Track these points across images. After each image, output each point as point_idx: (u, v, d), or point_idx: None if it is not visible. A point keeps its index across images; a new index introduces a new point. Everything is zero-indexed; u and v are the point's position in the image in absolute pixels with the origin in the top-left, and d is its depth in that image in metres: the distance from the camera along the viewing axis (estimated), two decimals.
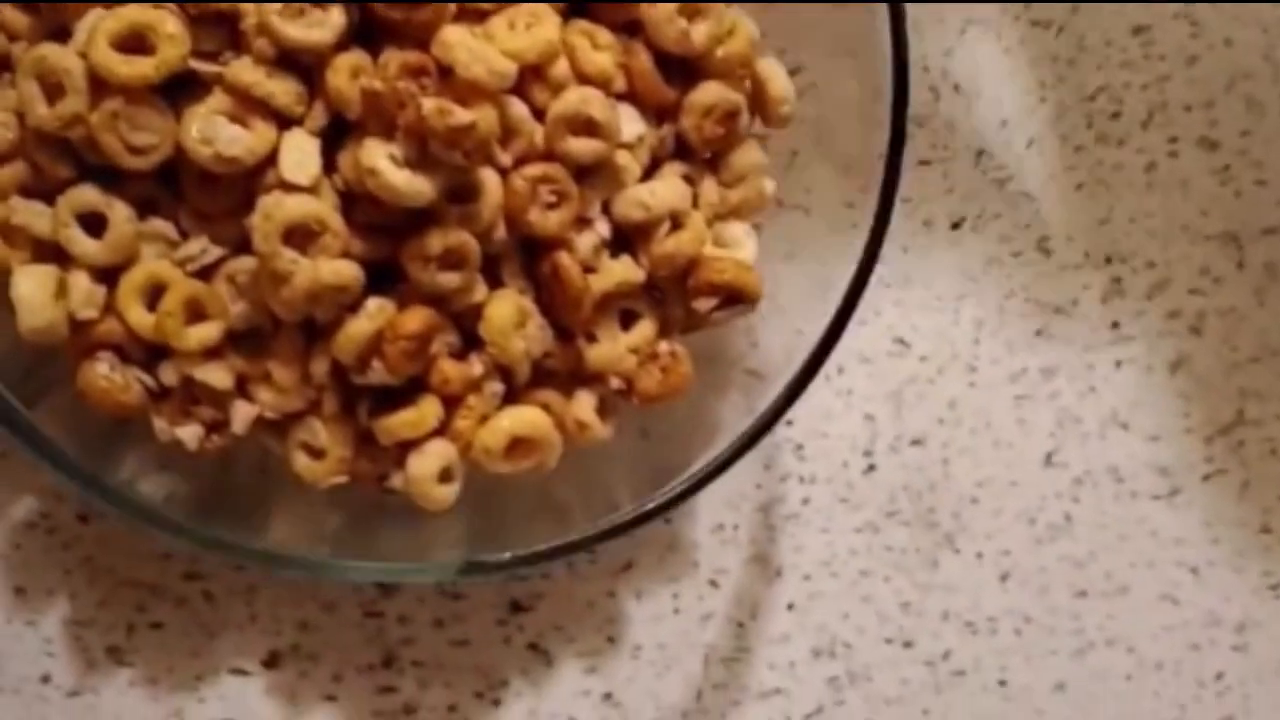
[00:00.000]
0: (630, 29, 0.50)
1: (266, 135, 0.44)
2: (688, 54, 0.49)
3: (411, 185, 0.44)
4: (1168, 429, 0.67)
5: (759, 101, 0.52)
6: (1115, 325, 0.66)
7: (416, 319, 0.47)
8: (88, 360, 0.47)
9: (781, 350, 0.56)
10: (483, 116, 0.44)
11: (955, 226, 0.64)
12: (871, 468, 0.65)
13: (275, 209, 0.44)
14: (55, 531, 0.57)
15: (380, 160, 0.44)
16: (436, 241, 0.46)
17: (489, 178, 0.46)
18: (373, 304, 0.46)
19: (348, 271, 0.45)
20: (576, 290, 0.48)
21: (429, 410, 0.48)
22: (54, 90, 0.44)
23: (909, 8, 0.51)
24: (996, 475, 0.66)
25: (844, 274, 0.52)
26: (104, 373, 0.47)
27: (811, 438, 0.64)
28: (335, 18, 0.44)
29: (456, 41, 0.44)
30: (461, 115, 0.43)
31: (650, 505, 0.51)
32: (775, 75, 0.52)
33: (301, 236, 0.45)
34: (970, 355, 0.65)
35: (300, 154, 0.45)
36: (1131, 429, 0.67)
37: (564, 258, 0.48)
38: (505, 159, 0.47)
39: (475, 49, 0.44)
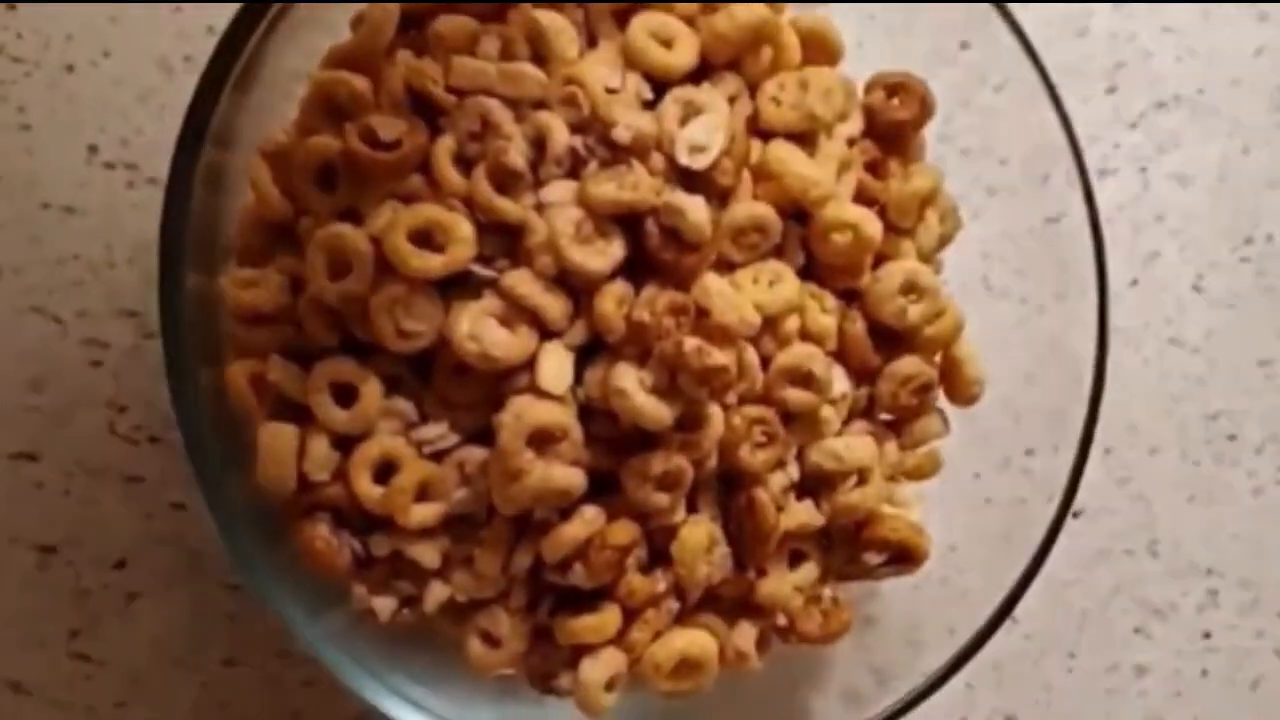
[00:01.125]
0: (848, 296, 0.54)
1: (529, 342, 0.48)
2: (901, 328, 0.54)
3: (655, 410, 0.48)
4: None
5: (950, 379, 0.57)
6: (1207, 635, 0.70)
7: (625, 532, 0.50)
8: (309, 520, 0.50)
9: (900, 604, 0.60)
10: (731, 359, 0.49)
11: (1075, 515, 0.69)
12: None
13: (526, 411, 0.47)
14: (198, 671, 0.59)
15: (630, 383, 0.48)
16: (659, 464, 0.49)
17: (714, 412, 0.50)
18: (589, 511, 0.50)
19: (576, 479, 0.49)
20: (768, 527, 0.52)
21: (611, 619, 0.51)
22: (338, 266, 0.48)
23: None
24: None
25: (982, 563, 0.57)
26: (323, 534, 0.50)
27: None
28: (616, 250, 0.49)
29: (716, 290, 0.49)
30: (718, 357, 0.47)
31: None
32: (971, 359, 0.56)
33: (540, 440, 0.48)
34: (1072, 642, 0.69)
35: (557, 365, 0.48)
36: None
37: (763, 495, 0.52)
38: (730, 397, 0.51)
39: (731, 298, 0.49)
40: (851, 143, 0.55)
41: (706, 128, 0.49)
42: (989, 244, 0.62)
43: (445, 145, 0.49)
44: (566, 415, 0.49)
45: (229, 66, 0.47)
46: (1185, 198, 0.70)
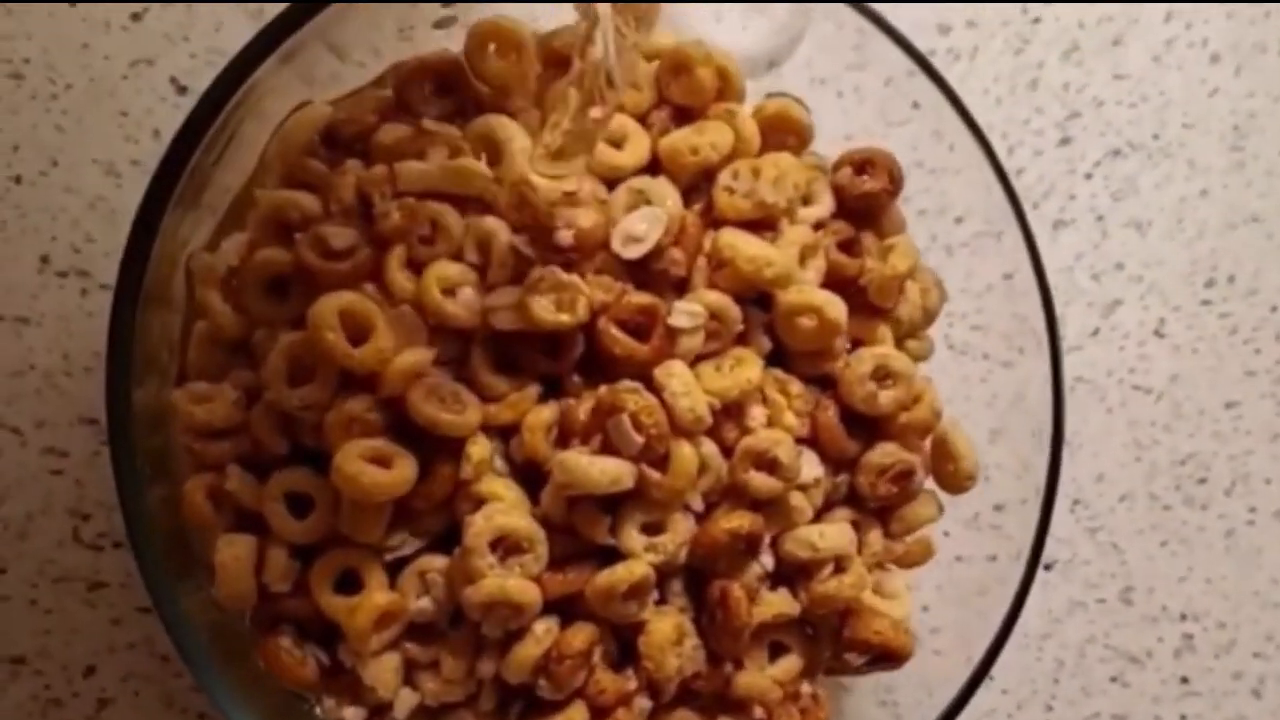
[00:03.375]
0: (823, 382, 0.52)
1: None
2: (874, 414, 0.51)
3: (604, 469, 0.46)
4: None
5: (940, 466, 0.54)
6: (1184, 680, 0.69)
7: (581, 637, 0.48)
8: (273, 633, 0.48)
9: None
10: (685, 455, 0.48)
11: (1047, 568, 0.67)
12: None
13: (497, 516, 0.46)
14: None
15: (571, 456, 0.46)
16: (624, 580, 0.47)
17: (678, 518, 0.49)
18: (539, 627, 0.47)
19: (531, 594, 0.46)
20: (741, 621, 0.49)
21: (576, 716, 0.49)
22: (299, 373, 0.46)
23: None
24: None
25: (956, 622, 0.55)
26: (286, 646, 0.48)
27: None
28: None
29: (675, 376, 0.47)
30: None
31: None
32: (966, 454, 0.54)
33: (505, 550, 0.46)
34: (1048, 694, 0.67)
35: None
36: None
37: (735, 589, 0.49)
38: (697, 501, 0.49)
39: (685, 386, 0.47)
40: (820, 225, 0.53)
41: (646, 218, 0.47)
42: (949, 302, 0.60)
43: (397, 253, 0.47)
44: (535, 531, 0.47)
45: (173, 182, 0.45)
46: (1144, 244, 0.68)
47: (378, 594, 0.47)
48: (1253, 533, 0.69)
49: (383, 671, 0.48)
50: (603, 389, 0.47)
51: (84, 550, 0.56)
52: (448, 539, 0.48)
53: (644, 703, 0.51)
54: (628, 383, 0.47)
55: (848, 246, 0.53)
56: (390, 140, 0.48)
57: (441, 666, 0.49)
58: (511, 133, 0.47)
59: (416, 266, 0.47)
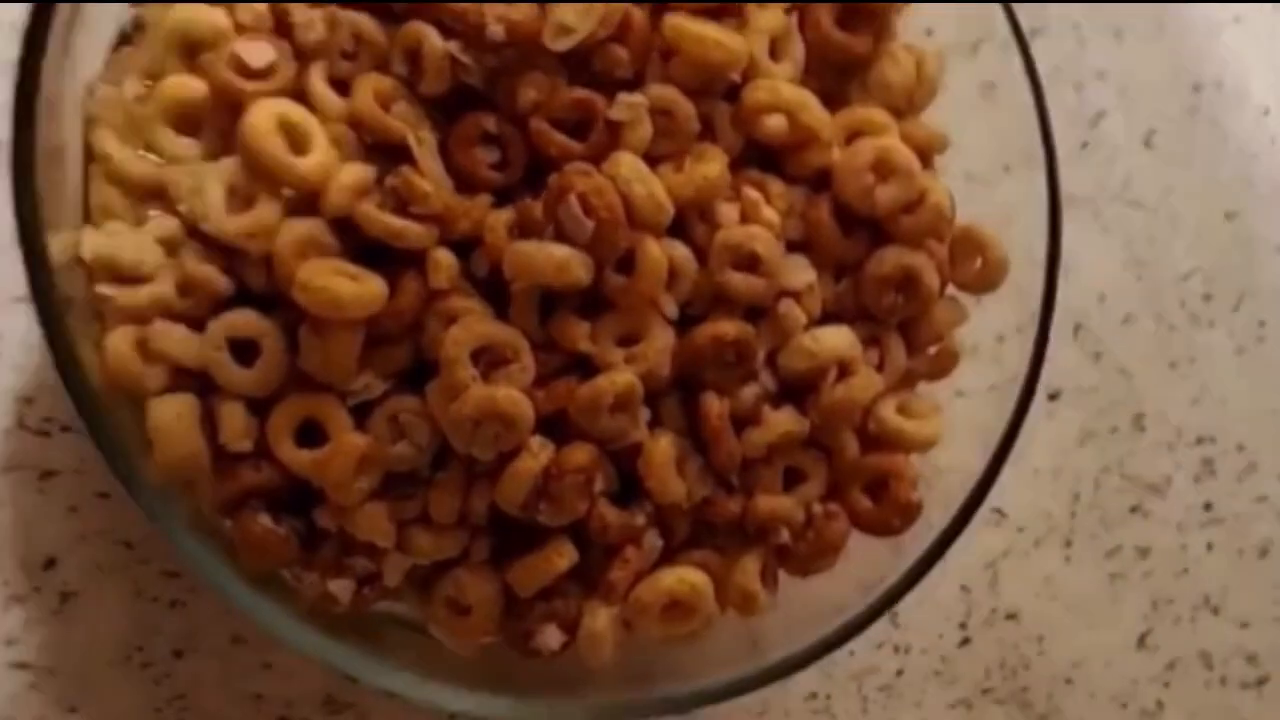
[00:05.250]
0: (820, 182, 0.48)
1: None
2: (870, 213, 0.47)
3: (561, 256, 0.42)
4: (1257, 615, 0.65)
5: (968, 267, 0.50)
6: (1207, 506, 0.65)
7: (582, 453, 0.43)
8: (246, 511, 0.43)
9: None
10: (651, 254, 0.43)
11: (1053, 398, 0.63)
12: (966, 641, 0.62)
13: (474, 325, 0.42)
14: (149, 666, 0.52)
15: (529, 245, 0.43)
16: (606, 390, 0.43)
17: (656, 321, 0.44)
18: (534, 443, 0.43)
19: (522, 405, 0.42)
20: (711, 428, 0.45)
21: (556, 554, 0.45)
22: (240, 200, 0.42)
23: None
24: (1090, 656, 0.63)
25: (959, 458, 0.51)
26: (264, 524, 0.43)
27: (907, 606, 0.60)
28: None
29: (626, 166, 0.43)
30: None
31: (786, 659, 0.48)
32: (994, 241, 0.50)
33: (488, 364, 0.43)
34: (1066, 529, 0.63)
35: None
36: (1222, 614, 0.65)
37: (708, 397, 0.45)
38: (672, 310, 0.45)
39: (638, 175, 0.43)
40: (794, 8, 0.48)
41: (577, 8, 0.43)
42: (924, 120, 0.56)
43: (319, 67, 0.43)
44: (518, 338, 0.43)
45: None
46: (1125, 51, 0.65)
47: (351, 436, 0.42)
48: (1264, 349, 0.66)
49: (375, 520, 0.44)
50: (552, 175, 0.43)
51: (31, 437, 0.51)
52: (414, 379, 0.44)
53: (655, 540, 0.47)
54: (579, 164, 0.42)
55: (844, 22, 0.48)
56: None
57: (431, 511, 0.44)
58: None
59: (337, 85, 0.44)
